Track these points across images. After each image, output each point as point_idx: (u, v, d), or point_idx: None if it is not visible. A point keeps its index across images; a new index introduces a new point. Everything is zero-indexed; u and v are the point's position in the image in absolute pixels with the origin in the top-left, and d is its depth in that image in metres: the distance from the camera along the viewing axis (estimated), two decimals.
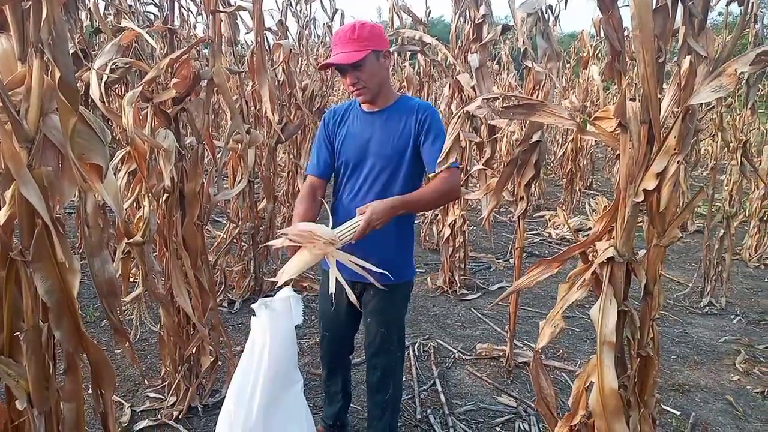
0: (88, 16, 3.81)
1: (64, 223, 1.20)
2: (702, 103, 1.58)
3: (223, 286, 4.16)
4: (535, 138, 2.81)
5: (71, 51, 2.56)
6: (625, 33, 1.69)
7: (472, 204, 6.51)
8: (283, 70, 4.50)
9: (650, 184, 1.55)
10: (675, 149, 1.51)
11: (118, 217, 1.32)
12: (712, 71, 1.49)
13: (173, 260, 2.53)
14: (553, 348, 3.69)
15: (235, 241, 4.21)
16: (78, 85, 2.20)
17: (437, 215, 5.65)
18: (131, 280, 2.82)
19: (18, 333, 1.27)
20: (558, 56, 2.96)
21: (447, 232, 4.56)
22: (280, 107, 4.38)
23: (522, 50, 2.88)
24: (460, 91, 4.41)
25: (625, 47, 1.69)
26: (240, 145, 3.92)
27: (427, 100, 7.29)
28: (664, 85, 1.89)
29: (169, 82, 2.48)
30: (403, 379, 3.08)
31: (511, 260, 5.59)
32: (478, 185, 3.32)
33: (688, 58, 1.55)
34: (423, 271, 5.18)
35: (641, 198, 1.56)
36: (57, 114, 1.17)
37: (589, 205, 4.85)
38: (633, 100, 1.63)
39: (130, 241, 2.17)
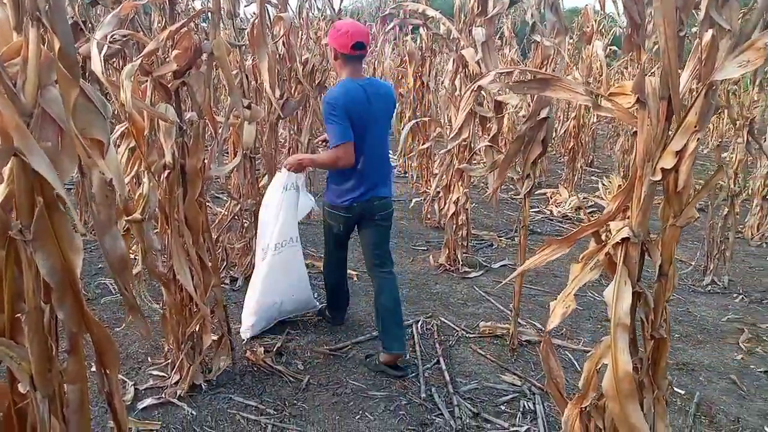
0: None
1: (65, 200, 1.15)
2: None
3: (224, 263, 4.12)
4: (542, 114, 2.75)
5: (70, 21, 2.49)
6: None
7: (474, 181, 6.46)
8: (284, 43, 4.40)
9: (668, 162, 1.50)
10: (695, 126, 1.46)
11: (118, 193, 1.27)
12: (736, 45, 1.44)
13: (175, 238, 2.48)
14: (558, 328, 3.67)
15: (236, 218, 4.16)
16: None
17: (439, 192, 5.60)
18: (131, 257, 2.77)
19: (19, 314, 1.23)
20: (566, 30, 2.89)
21: (451, 209, 4.51)
22: (281, 82, 4.30)
23: (531, 24, 2.80)
24: (464, 66, 4.32)
25: (645, 19, 1.63)
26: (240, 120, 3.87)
27: (429, 74, 7.18)
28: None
29: (168, 56, 2.42)
30: (407, 356, 3.08)
31: (514, 238, 5.56)
32: (483, 162, 3.27)
33: (710, 31, 1.49)
34: (425, 249, 5.16)
35: (659, 177, 1.51)
36: (56, 87, 1.11)
37: (602, 183, 4.79)
38: (651, 75, 1.58)
39: (130, 218, 2.12)
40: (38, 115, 1.11)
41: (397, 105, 3.49)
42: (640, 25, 1.61)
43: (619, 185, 2.60)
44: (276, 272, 3.19)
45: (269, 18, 4.44)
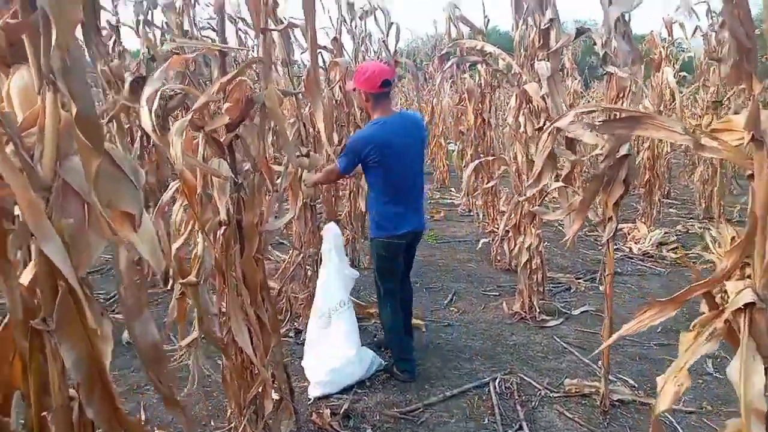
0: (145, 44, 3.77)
1: (91, 284, 1.01)
2: None
3: (289, 314, 3.99)
4: (622, 151, 2.48)
5: (131, 78, 2.46)
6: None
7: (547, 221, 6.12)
8: (340, 88, 4.33)
9: None
10: None
11: (157, 264, 1.12)
12: None
13: (232, 297, 2.35)
14: (651, 382, 3.29)
15: (300, 266, 4.03)
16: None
17: (508, 232, 5.31)
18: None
19: (45, 413, 1.08)
20: (641, 59, 2.63)
21: (524, 256, 4.21)
22: (339, 127, 4.21)
23: (602, 54, 2.56)
24: (527, 102, 4.10)
25: (756, 44, 1.37)
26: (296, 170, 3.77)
27: (489, 110, 6.97)
28: None
29: (221, 109, 2.33)
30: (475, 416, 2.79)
31: (593, 280, 5.16)
32: (553, 202, 3.01)
33: None
34: (497, 294, 4.85)
35: None
36: (77, 155, 0.98)
37: (708, 234, 4.31)
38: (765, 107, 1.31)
39: (184, 281, 2.00)
40: (58, 188, 0.98)
41: (428, 133, 3.69)
42: (750, 49, 1.36)
43: (733, 237, 2.28)
44: (335, 335, 3.13)
45: (324, 64, 4.39)
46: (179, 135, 1.96)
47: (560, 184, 2.85)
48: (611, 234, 2.63)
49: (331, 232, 3.37)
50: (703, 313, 1.49)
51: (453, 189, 9.81)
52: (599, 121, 1.42)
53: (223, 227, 2.32)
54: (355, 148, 3.13)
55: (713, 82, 6.27)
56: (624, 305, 4.56)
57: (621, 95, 2.57)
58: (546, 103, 3.86)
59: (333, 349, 3.12)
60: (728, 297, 1.40)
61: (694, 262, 5.65)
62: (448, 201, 9.08)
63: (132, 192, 1.10)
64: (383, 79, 3.10)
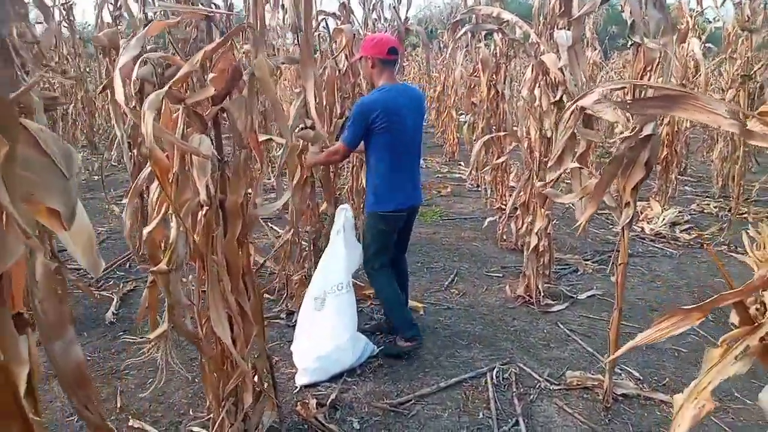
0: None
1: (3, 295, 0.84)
2: None
3: (284, 295, 3.85)
4: (646, 131, 2.26)
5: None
6: None
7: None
8: (346, 57, 4.10)
9: None
10: None
11: (92, 267, 0.95)
12: None
13: (213, 284, 2.19)
14: (657, 374, 3.13)
15: (295, 244, 3.87)
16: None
17: (516, 209, 5.11)
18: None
19: None
20: (673, 29, 2.39)
21: (534, 240, 4.01)
22: (342, 99, 3.99)
23: (630, 22, 2.32)
24: (544, 74, 3.85)
25: None
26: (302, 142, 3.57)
27: (503, 82, 6.70)
28: None
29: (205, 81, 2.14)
30: (473, 409, 2.65)
31: (601, 262, 4.98)
32: (565, 184, 2.80)
33: None
34: (501, 275, 4.69)
35: None
36: None
37: (746, 234, 4.06)
38: None
39: (155, 269, 1.84)
40: None
41: (427, 111, 3.54)
42: None
43: None
44: (329, 318, 2.96)
45: (329, 31, 4.16)
46: (152, 109, 1.77)
47: (575, 164, 2.65)
48: (627, 220, 2.44)
49: (342, 213, 3.25)
50: (733, 325, 1.32)
51: (462, 163, 9.56)
52: (629, 100, 1.22)
53: (205, 208, 2.16)
54: (362, 112, 3.02)
55: (741, 54, 5.93)
56: (633, 289, 4.39)
57: (649, 68, 2.33)
58: (564, 76, 3.63)
59: (324, 334, 2.97)
60: (766, 310, 1.22)
61: (709, 244, 5.45)
62: (456, 175, 8.85)
63: (60, 182, 0.93)
64: (390, 45, 3.09)
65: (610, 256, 5.05)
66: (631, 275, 4.79)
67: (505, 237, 5.43)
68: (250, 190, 2.35)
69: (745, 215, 6.30)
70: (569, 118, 1.58)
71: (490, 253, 5.26)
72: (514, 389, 2.94)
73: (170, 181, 1.95)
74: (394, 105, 3.03)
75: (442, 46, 13.21)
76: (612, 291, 4.34)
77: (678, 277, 4.71)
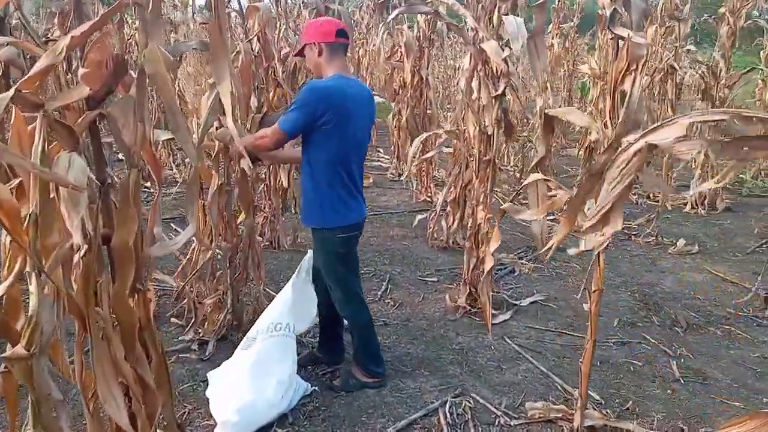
0: None
1: None
2: None
3: (192, 321, 3.27)
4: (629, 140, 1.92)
5: None
6: None
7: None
8: (259, 39, 3.52)
9: None
10: None
11: None
12: None
13: (99, 350, 1.64)
14: (618, 396, 2.89)
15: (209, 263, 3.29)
16: None
17: (446, 207, 4.78)
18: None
19: None
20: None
21: (471, 241, 3.68)
22: (257, 89, 3.43)
23: (609, 13, 1.96)
24: (484, 63, 3.48)
25: None
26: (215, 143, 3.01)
27: (427, 67, 6.34)
28: None
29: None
30: None
31: (538, 261, 4.74)
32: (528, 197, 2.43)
33: None
34: (436, 280, 4.34)
35: None
36: None
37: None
38: None
39: (7, 355, 1.28)
40: None
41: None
42: None
43: None
44: (253, 361, 2.45)
45: (241, 10, 3.55)
46: None
47: (539, 175, 2.29)
48: (604, 244, 2.11)
49: (306, 257, 2.89)
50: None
51: (381, 149, 9.14)
52: (722, 139, 0.86)
53: (83, 251, 1.59)
54: (314, 99, 2.49)
55: None
56: (572, 290, 4.20)
57: (632, 68, 1.99)
58: (507, 67, 3.28)
59: (244, 380, 2.46)
60: None
61: (637, 236, 5.42)
62: (376, 163, 8.42)
63: None
64: (339, 27, 2.63)
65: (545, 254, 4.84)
66: (567, 273, 4.61)
67: (435, 235, 5.08)
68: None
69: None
70: (631, 159, 1.17)
71: (421, 253, 4.91)
72: (471, 428, 2.58)
73: (25, 223, 1.37)
74: (351, 101, 2.57)
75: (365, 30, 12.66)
76: (554, 296, 4.14)
77: (614, 275, 4.58)
